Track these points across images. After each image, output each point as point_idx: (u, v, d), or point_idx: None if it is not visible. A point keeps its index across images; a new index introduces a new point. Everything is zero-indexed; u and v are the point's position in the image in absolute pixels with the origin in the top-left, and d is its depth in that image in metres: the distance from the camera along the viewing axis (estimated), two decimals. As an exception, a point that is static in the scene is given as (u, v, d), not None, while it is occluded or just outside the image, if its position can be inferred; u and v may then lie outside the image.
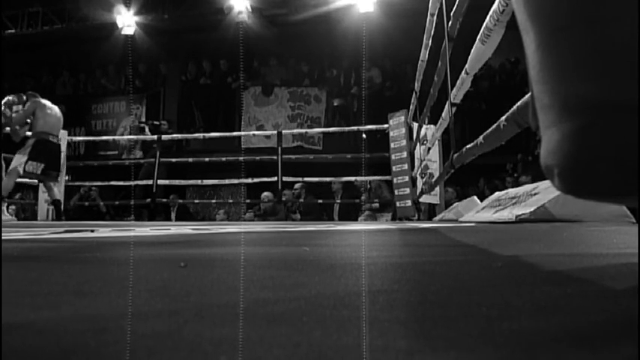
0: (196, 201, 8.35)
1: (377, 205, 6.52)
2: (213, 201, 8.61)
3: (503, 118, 1.79)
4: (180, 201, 7.48)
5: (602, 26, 0.43)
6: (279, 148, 6.13)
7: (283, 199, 6.32)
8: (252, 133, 8.10)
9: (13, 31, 9.08)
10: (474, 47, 2.22)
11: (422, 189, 5.38)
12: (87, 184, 7.02)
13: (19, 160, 4.75)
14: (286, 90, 9.27)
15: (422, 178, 5.63)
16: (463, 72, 2.53)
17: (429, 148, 4.82)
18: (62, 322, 0.39)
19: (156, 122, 8.48)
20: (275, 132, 6.63)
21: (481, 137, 2.14)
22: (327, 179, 6.40)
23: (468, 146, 2.42)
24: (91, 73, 10.20)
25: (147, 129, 7.92)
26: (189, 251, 1.16)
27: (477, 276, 0.68)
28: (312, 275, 0.65)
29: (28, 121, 4.96)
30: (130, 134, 8.98)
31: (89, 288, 0.56)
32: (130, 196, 7.27)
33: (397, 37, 7.84)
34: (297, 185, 6.64)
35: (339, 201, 6.73)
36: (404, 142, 5.70)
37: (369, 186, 6.64)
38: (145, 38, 9.03)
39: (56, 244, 1.43)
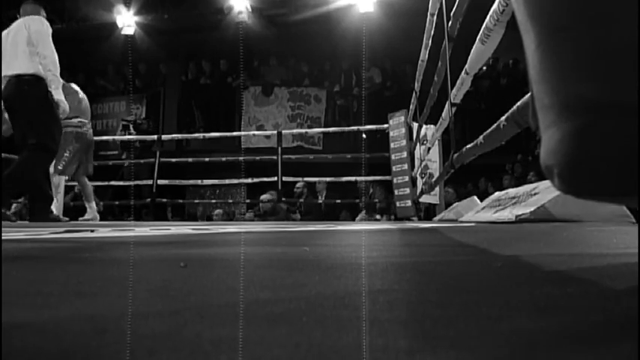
0: (196, 201, 8.36)
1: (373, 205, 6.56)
2: (213, 201, 8.61)
3: (503, 118, 1.79)
4: (180, 201, 7.49)
5: (602, 26, 0.43)
6: (279, 148, 6.14)
7: (283, 199, 6.34)
8: (252, 133, 8.10)
9: (13, 31, 9.06)
10: (474, 47, 2.22)
11: (422, 189, 5.38)
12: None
13: None
14: (286, 90, 9.27)
15: (422, 178, 5.63)
16: (463, 72, 2.54)
17: (429, 148, 4.82)
18: (62, 322, 0.39)
19: (138, 121, 8.52)
20: (275, 132, 6.63)
21: (481, 137, 2.14)
22: (327, 179, 6.41)
23: (468, 146, 2.43)
24: (90, 73, 10.19)
25: (131, 127, 7.94)
26: (189, 251, 1.16)
27: (477, 276, 0.68)
28: (312, 275, 0.65)
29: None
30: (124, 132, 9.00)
31: (89, 288, 0.56)
32: (121, 196, 7.30)
33: (397, 37, 7.84)
34: (298, 184, 6.65)
35: (339, 201, 6.74)
36: (404, 142, 5.70)
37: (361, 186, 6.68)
38: (145, 38, 9.04)
39: (56, 244, 1.43)
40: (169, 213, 8.52)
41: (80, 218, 5.05)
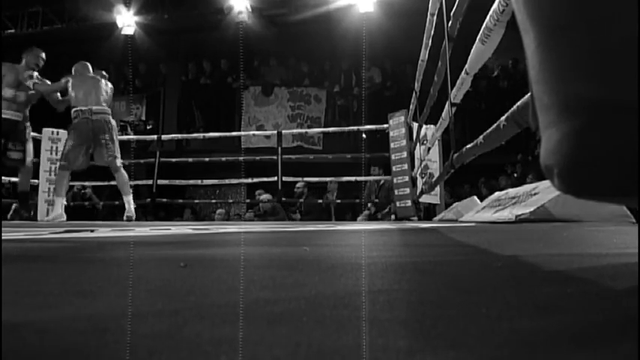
0: (196, 201, 8.36)
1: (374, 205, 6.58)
2: (213, 201, 8.61)
3: (503, 118, 1.79)
4: (180, 201, 7.48)
5: (602, 26, 0.43)
6: (279, 148, 6.13)
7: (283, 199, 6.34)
8: (252, 133, 8.10)
9: (13, 31, 9.06)
10: (474, 47, 2.22)
11: (422, 189, 5.38)
12: (86, 183, 7.03)
13: None
14: (286, 90, 9.27)
15: (422, 178, 5.63)
16: (463, 72, 2.53)
17: (429, 148, 4.82)
18: (62, 322, 0.39)
19: (135, 122, 8.51)
20: (275, 132, 6.63)
21: (481, 137, 2.14)
22: (327, 179, 6.41)
23: (468, 146, 2.43)
24: (90, 73, 10.18)
25: (129, 128, 7.91)
26: (189, 251, 1.16)
27: (477, 276, 0.68)
28: (312, 275, 0.65)
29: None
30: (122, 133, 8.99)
31: (89, 288, 0.56)
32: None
33: (397, 37, 7.84)
34: (299, 184, 6.65)
35: (339, 201, 6.74)
36: (404, 142, 5.70)
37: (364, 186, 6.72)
38: (145, 38, 9.03)
39: (56, 244, 1.43)
40: (175, 212, 8.51)
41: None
